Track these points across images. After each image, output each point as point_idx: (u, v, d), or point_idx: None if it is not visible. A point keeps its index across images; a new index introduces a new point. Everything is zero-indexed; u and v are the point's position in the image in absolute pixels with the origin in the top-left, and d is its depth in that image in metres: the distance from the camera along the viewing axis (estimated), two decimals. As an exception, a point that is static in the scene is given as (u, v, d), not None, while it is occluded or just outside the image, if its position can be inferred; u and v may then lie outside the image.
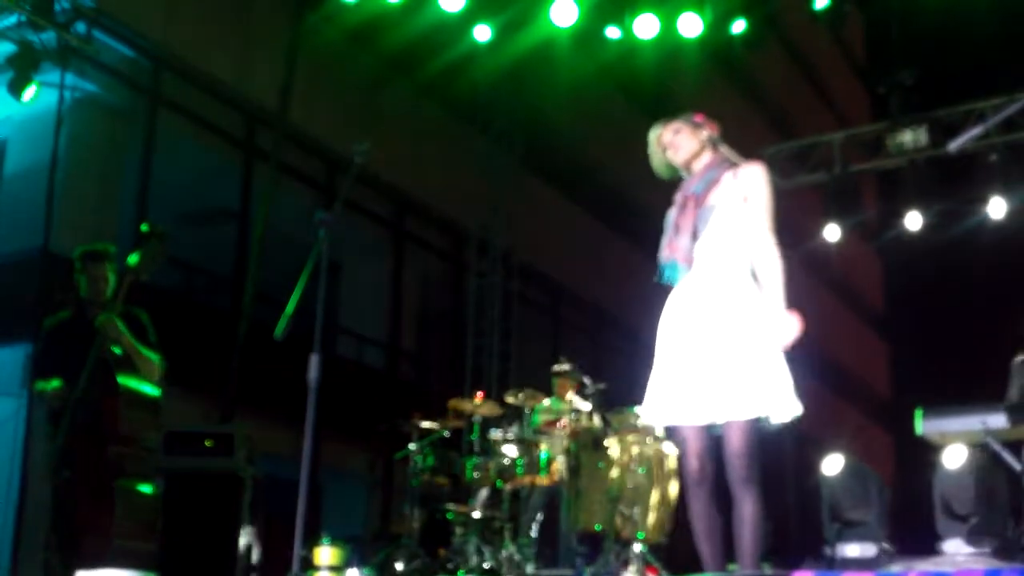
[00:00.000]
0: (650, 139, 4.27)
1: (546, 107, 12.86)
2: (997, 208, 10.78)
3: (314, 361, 4.31)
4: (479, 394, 7.60)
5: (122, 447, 4.90)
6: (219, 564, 6.06)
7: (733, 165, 4.20)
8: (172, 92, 10.25)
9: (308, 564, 4.17)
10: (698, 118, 4.30)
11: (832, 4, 8.22)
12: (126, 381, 4.93)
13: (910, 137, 10.11)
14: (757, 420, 3.93)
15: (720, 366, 3.95)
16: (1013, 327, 7.99)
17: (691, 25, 8.48)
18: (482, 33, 8.64)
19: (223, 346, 9.01)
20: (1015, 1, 8.22)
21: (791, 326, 3.97)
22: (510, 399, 7.40)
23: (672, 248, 4.12)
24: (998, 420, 6.55)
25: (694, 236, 4.07)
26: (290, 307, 4.36)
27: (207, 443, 6.41)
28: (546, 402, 7.52)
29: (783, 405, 3.99)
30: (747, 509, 3.92)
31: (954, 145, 3.20)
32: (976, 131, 2.89)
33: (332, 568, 4.17)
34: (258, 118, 10.71)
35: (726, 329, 3.99)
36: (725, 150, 4.27)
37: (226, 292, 10.65)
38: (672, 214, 4.18)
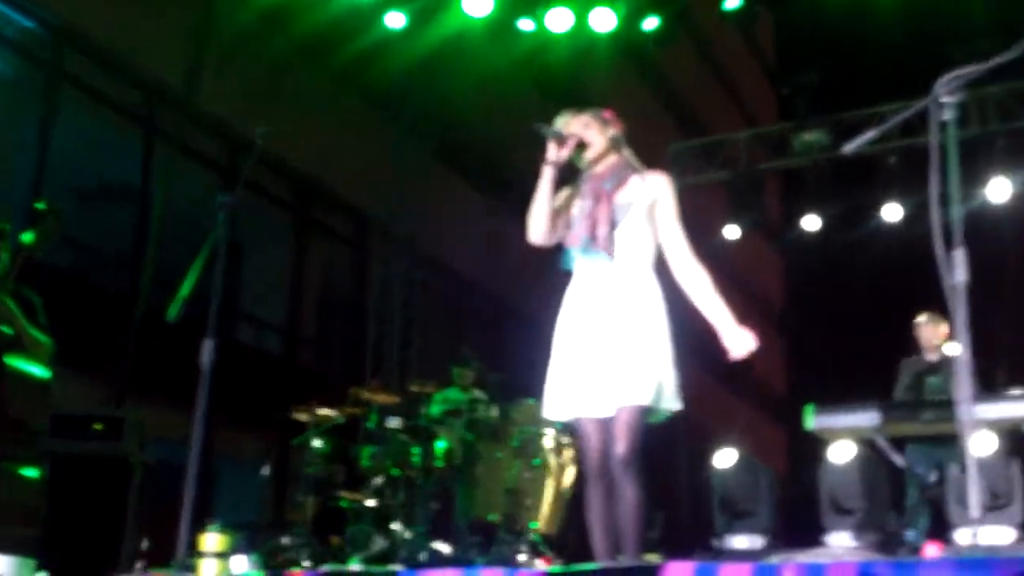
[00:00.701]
0: (556, 126, 4.28)
1: (458, 98, 12.82)
2: (893, 212, 11.05)
3: (207, 346, 4.26)
4: (376, 382, 7.58)
5: (8, 430, 4.78)
6: (104, 550, 5.94)
7: (637, 170, 4.25)
8: (73, 67, 9.99)
9: (194, 551, 4.12)
10: (607, 114, 4.33)
11: (743, 5, 8.32)
12: (14, 362, 4.81)
13: (813, 138, 10.32)
14: (643, 409, 3.98)
15: (616, 358, 4.00)
16: (904, 328, 8.22)
17: (604, 20, 8.53)
18: (395, 20, 8.55)
19: (120, 328, 8.83)
20: (920, 7, 8.42)
21: (746, 341, 4.07)
22: (410, 388, 7.40)
23: (584, 234, 4.14)
24: (884, 417, 6.76)
25: (612, 228, 4.12)
26: (185, 289, 4.30)
27: (96, 427, 6.25)
28: (446, 392, 7.53)
29: (669, 397, 4.06)
30: (629, 492, 3.97)
31: (849, 147, 3.25)
32: (871, 134, 2.96)
33: (218, 555, 4.11)
34: (161, 96, 10.50)
35: (624, 322, 4.04)
36: (628, 154, 4.32)
37: (124, 273, 10.44)
38: (585, 204, 4.19)
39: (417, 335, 12.43)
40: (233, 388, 7.53)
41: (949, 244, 2.81)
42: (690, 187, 10.97)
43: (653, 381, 3.99)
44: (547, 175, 4.17)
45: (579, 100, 4.47)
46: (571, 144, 4.20)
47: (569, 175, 4.38)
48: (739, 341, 4.09)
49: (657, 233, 4.21)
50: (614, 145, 4.32)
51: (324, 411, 7.11)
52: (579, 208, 4.21)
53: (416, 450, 6.93)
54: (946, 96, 2.91)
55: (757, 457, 7.87)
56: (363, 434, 7.41)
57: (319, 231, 13.02)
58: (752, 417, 12.89)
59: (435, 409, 7.32)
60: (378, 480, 6.97)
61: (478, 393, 7.38)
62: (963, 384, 2.70)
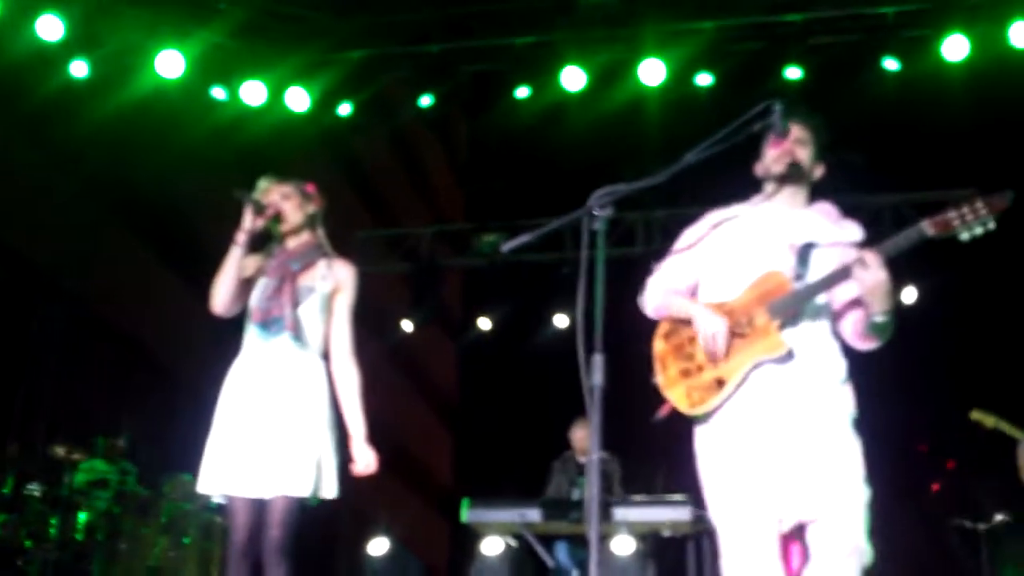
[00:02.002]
0: (256, 191, 4.22)
1: (147, 161, 12.40)
2: (561, 320, 11.56)
3: None
4: (17, 445, 7.09)
5: None
6: None
7: (326, 255, 4.25)
8: None
9: None
10: (310, 188, 4.32)
11: (434, 104, 8.55)
12: None
13: (493, 239, 10.67)
14: (300, 498, 3.95)
15: (274, 440, 3.95)
16: (562, 431, 8.58)
17: (298, 100, 8.55)
18: (79, 69, 8.15)
19: None
20: (606, 128, 8.93)
21: (369, 460, 4.11)
22: (55, 453, 6.96)
23: (271, 312, 4.07)
24: (534, 515, 7.01)
25: (295, 308, 4.08)
26: None
27: None
28: (92, 461, 7.15)
29: (327, 485, 4.04)
30: (276, 581, 3.91)
31: (507, 247, 3.43)
32: (526, 238, 3.16)
33: None
34: None
35: (289, 405, 4.00)
36: (321, 234, 4.32)
37: None
38: (270, 281, 4.13)
39: (72, 398, 11.73)
40: None
41: (591, 349, 2.99)
42: (374, 276, 11.08)
43: (312, 469, 3.96)
44: (239, 243, 4.10)
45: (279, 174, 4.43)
46: (268, 214, 4.16)
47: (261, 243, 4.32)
48: (363, 457, 4.16)
49: (330, 322, 4.22)
50: (310, 222, 4.31)
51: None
52: (263, 285, 4.16)
53: (55, 521, 6.52)
54: (598, 209, 3.12)
55: (420, 547, 7.94)
56: (-2, 500, 6.89)
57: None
58: (419, 509, 12.97)
59: (80, 478, 6.92)
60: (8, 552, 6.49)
61: (127, 464, 7.05)
62: (592, 485, 2.84)
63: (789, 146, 3.72)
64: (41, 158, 11.87)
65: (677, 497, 6.96)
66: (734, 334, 3.56)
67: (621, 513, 6.86)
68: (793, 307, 3.53)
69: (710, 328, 3.55)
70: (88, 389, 12.27)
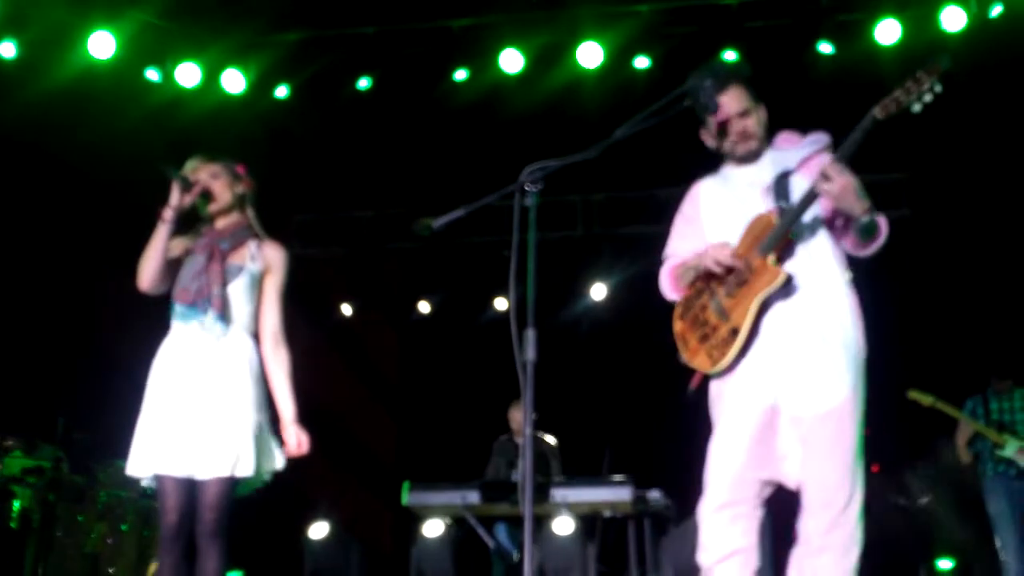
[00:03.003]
0: (185, 170, 4.18)
1: (81, 144, 12.19)
2: (501, 303, 11.57)
3: None
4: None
5: None
6: None
7: (256, 235, 4.22)
8: None
9: None
10: (240, 169, 4.29)
11: (372, 86, 8.51)
12: None
13: (429, 221, 10.62)
14: (233, 480, 3.93)
15: (207, 420, 3.92)
16: (502, 414, 8.61)
17: (234, 82, 8.47)
18: (7, 50, 7.98)
19: None
20: (546, 112, 8.90)
21: (300, 442, 4.09)
22: (-12, 440, 6.87)
23: (199, 293, 4.04)
24: (474, 497, 7.03)
25: (223, 287, 4.04)
26: None
27: None
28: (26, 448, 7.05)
29: (263, 466, 4.03)
30: (211, 564, 3.90)
31: (437, 223, 3.43)
32: (458, 213, 3.16)
33: None
34: None
35: (218, 384, 3.98)
36: (252, 215, 4.29)
37: None
38: (197, 260, 4.10)
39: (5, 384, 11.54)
40: None
41: (523, 324, 3.00)
42: (312, 259, 11.00)
43: (246, 450, 3.94)
44: (166, 219, 4.06)
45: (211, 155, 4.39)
46: (196, 191, 4.12)
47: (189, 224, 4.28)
48: (294, 438, 4.16)
49: (259, 302, 4.20)
50: (239, 202, 4.28)
51: None
52: (191, 263, 4.13)
53: (-13, 509, 6.43)
54: (529, 185, 3.14)
55: (362, 530, 7.93)
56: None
57: None
58: (360, 492, 12.91)
59: (13, 465, 6.82)
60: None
61: (60, 452, 6.96)
62: (526, 459, 2.85)
63: (741, 124, 3.76)
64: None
65: (618, 477, 7.01)
66: (738, 284, 3.59)
67: (560, 494, 6.89)
68: (778, 239, 3.58)
69: (715, 250, 3.62)
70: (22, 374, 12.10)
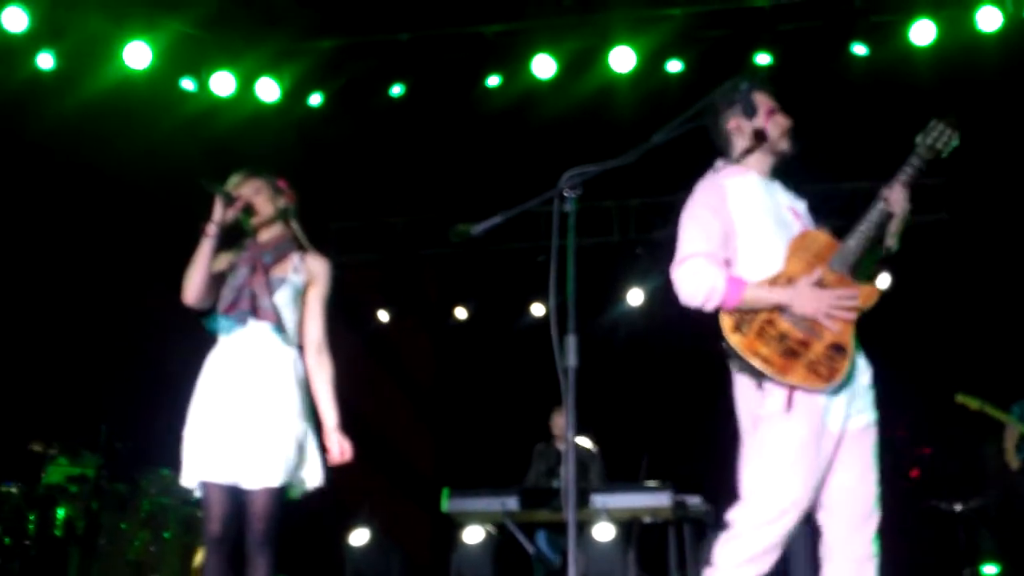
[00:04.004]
0: (228, 186, 4.22)
1: (117, 154, 12.29)
2: (539, 309, 11.56)
3: None
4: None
5: None
6: None
7: (301, 248, 4.26)
8: None
9: None
10: (281, 183, 4.32)
11: (406, 93, 8.53)
12: None
13: (465, 228, 10.62)
14: (280, 490, 3.96)
15: (253, 430, 3.95)
16: (542, 420, 8.60)
17: (269, 90, 8.53)
18: (45, 62, 8.05)
19: None
20: (579, 117, 8.90)
21: (344, 450, 4.12)
22: (32, 449, 6.95)
23: (240, 304, 4.08)
24: (514, 503, 7.02)
25: (271, 298, 4.09)
26: None
27: None
28: (70, 456, 7.12)
29: (309, 475, 4.06)
30: (260, 574, 3.93)
31: (477, 229, 3.43)
32: (497, 219, 3.17)
33: None
34: None
35: (264, 394, 4.01)
36: (295, 227, 4.32)
37: None
38: (240, 273, 4.14)
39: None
40: None
41: (563, 330, 3.00)
42: (348, 266, 11.04)
43: (291, 460, 3.98)
44: (210, 235, 4.10)
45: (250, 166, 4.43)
46: (238, 206, 4.15)
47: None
48: (337, 447, 4.18)
49: (303, 314, 4.24)
50: (282, 215, 4.32)
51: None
52: (234, 277, 4.17)
53: (32, 516, 6.49)
54: (568, 191, 3.14)
55: (401, 537, 7.95)
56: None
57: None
58: (400, 499, 12.95)
59: (57, 473, 6.90)
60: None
61: (102, 460, 7.02)
62: (569, 465, 2.85)
63: (783, 120, 3.77)
64: (6, 152, 11.77)
65: (657, 483, 6.99)
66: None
67: (600, 500, 6.88)
68: (854, 257, 3.59)
69: (824, 303, 3.52)
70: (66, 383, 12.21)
